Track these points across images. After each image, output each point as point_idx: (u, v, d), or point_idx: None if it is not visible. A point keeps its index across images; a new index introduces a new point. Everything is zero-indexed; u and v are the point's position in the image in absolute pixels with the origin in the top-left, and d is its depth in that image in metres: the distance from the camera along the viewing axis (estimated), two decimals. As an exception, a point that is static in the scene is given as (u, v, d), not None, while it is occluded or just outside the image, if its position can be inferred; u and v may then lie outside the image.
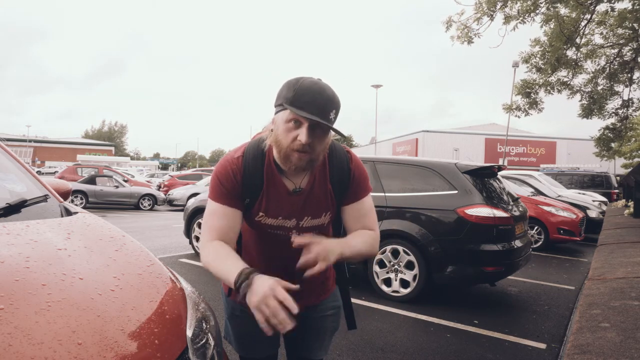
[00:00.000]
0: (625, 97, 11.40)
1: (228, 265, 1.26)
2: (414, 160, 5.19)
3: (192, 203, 6.86)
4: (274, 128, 1.31)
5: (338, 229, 1.55)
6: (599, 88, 11.11)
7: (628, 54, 10.52)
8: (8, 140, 56.31)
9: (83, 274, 1.20)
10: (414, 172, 4.86)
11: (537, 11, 8.28)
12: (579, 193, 12.17)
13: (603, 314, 3.12)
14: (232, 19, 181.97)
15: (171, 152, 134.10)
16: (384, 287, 4.65)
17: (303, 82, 1.24)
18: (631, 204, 10.26)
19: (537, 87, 10.41)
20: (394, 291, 4.59)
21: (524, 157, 40.12)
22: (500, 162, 26.80)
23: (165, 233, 9.29)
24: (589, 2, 8.46)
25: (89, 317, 1.03)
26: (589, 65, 10.84)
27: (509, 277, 5.32)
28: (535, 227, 8.41)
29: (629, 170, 15.19)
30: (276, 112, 1.30)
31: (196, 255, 6.57)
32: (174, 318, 1.21)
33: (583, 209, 9.85)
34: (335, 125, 1.27)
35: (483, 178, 4.77)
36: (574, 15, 8.95)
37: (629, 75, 10.68)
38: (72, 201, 14.24)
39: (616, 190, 15.58)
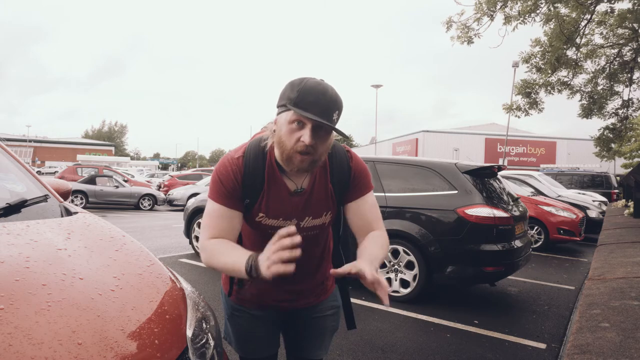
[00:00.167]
0: (625, 97, 11.41)
1: (233, 257, 1.25)
2: (414, 160, 5.19)
3: (192, 203, 6.85)
4: (276, 129, 1.30)
5: (338, 229, 1.55)
6: (599, 88, 11.11)
7: (628, 54, 10.53)
8: (8, 140, 56.38)
9: (83, 274, 1.21)
10: (414, 172, 4.86)
11: (538, 11, 8.28)
12: (579, 193, 12.17)
13: (603, 314, 3.12)
14: (233, 19, 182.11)
15: (171, 152, 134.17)
16: (384, 287, 4.65)
17: (307, 82, 1.24)
18: (631, 204, 10.25)
19: (537, 87, 10.41)
20: (394, 291, 4.59)
21: (524, 157, 40.11)
22: (500, 162, 26.81)
23: (165, 233, 9.29)
24: (589, 2, 8.46)
25: (89, 317, 1.03)
26: (589, 65, 10.86)
27: (509, 277, 5.33)
28: (535, 227, 8.41)
29: (629, 170, 15.18)
30: (279, 113, 1.30)
31: (196, 255, 6.57)
32: (174, 318, 1.21)
33: (583, 209, 9.85)
34: (336, 126, 1.27)
35: (483, 178, 4.78)
36: (574, 15, 8.96)
37: (629, 75, 10.68)
38: (72, 201, 14.24)
39: (616, 190, 15.57)
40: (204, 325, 1.33)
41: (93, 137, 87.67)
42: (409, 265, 4.56)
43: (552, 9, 8.31)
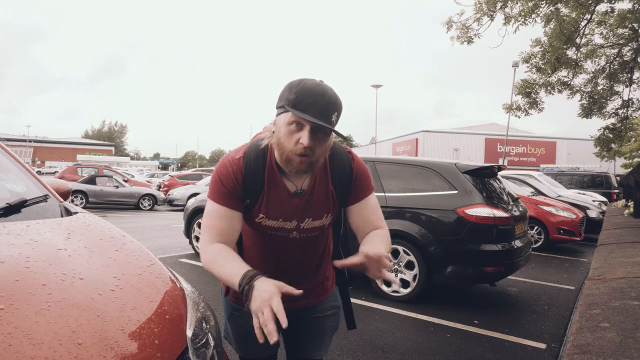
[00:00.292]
0: (625, 97, 11.41)
1: (231, 267, 1.26)
2: (414, 160, 5.19)
3: (192, 203, 6.86)
4: (275, 130, 1.30)
5: (338, 230, 1.55)
6: (599, 88, 11.11)
7: (628, 54, 10.52)
8: (8, 140, 56.39)
9: (83, 274, 1.20)
10: (414, 172, 4.86)
11: (538, 11, 8.27)
12: (579, 193, 12.17)
13: (603, 314, 3.12)
14: (233, 19, 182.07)
15: (171, 152, 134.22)
16: (384, 287, 4.66)
17: (305, 84, 1.23)
18: (631, 204, 10.25)
19: (537, 87, 10.41)
20: (394, 291, 4.59)
21: (524, 157, 40.11)
22: (500, 162, 26.81)
23: (165, 233, 9.29)
24: (589, 2, 8.46)
25: (89, 317, 1.03)
26: (589, 65, 10.85)
27: (509, 277, 5.33)
28: (535, 227, 8.41)
29: (629, 170, 15.18)
30: (278, 114, 1.29)
31: (196, 255, 6.57)
32: (174, 318, 1.21)
33: (583, 209, 9.85)
34: (336, 126, 1.27)
35: (483, 178, 4.77)
36: (574, 15, 8.95)
37: (629, 75, 10.68)
38: (72, 201, 14.24)
39: (616, 190, 15.58)
40: (204, 325, 1.33)
41: (93, 137, 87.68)
42: (409, 265, 4.56)
43: (552, 9, 8.31)
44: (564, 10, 8.92)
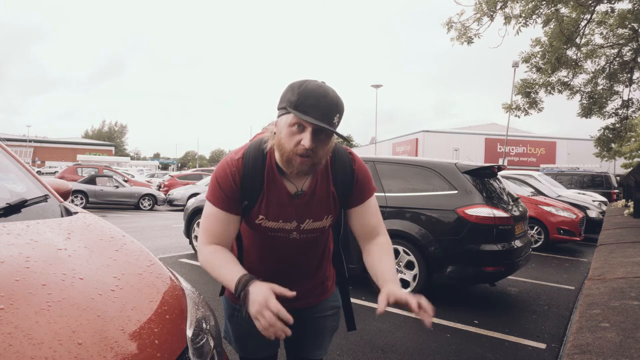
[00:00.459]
0: (625, 97, 11.41)
1: (226, 271, 1.29)
2: (414, 160, 5.19)
3: (192, 203, 6.86)
4: (276, 131, 1.29)
5: (338, 231, 1.55)
6: (599, 88, 11.11)
7: (628, 54, 10.52)
8: (8, 140, 56.38)
9: (83, 274, 1.20)
10: (414, 172, 4.86)
11: (538, 12, 8.27)
12: (579, 193, 12.17)
13: (603, 314, 3.12)
14: (233, 19, 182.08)
15: (171, 152, 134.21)
16: (384, 287, 4.65)
17: (307, 85, 1.23)
18: (631, 204, 10.25)
19: (537, 87, 10.41)
20: (394, 291, 4.58)
21: (524, 157, 40.11)
22: (500, 162, 26.80)
23: (165, 233, 9.29)
24: (589, 2, 8.46)
25: (89, 317, 1.03)
26: (589, 65, 10.85)
27: (509, 277, 5.33)
28: (535, 227, 8.40)
29: (629, 170, 15.18)
30: (279, 115, 1.29)
31: (196, 255, 6.55)
32: (174, 318, 1.21)
33: (583, 209, 9.85)
34: (338, 128, 1.26)
35: (483, 178, 4.77)
36: (574, 15, 8.96)
37: (629, 75, 10.68)
38: (72, 201, 14.24)
39: (616, 190, 15.57)
40: (204, 325, 1.33)
41: (93, 137, 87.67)
42: (409, 265, 4.56)
43: (552, 9, 8.30)
44: (564, 11, 8.92)
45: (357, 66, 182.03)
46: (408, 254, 4.55)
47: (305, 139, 1.22)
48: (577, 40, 9.48)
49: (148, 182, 22.62)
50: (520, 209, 5.05)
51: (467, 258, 4.34)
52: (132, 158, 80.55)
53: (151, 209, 16.22)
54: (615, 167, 27.66)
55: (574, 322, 3.20)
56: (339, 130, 1.26)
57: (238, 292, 1.22)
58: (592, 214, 10.18)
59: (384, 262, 1.41)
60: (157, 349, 1.05)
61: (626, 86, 11.10)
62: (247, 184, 1.35)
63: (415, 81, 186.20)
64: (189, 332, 1.21)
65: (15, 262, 1.16)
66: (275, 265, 1.49)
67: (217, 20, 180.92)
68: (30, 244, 1.30)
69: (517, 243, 4.57)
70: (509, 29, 8.36)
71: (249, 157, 1.36)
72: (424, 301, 1.21)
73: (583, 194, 12.18)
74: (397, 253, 4.61)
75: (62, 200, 1.88)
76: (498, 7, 8.17)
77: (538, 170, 18.04)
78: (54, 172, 33.87)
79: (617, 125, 12.09)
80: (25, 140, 64.89)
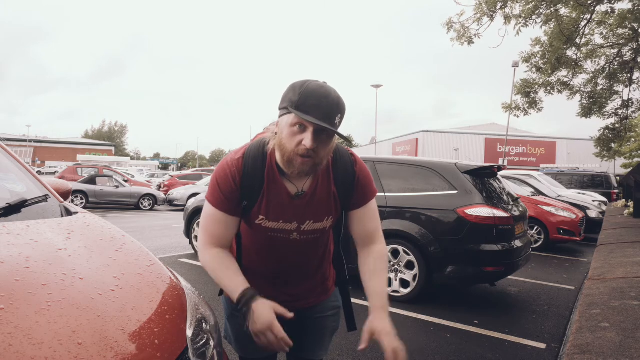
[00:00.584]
0: (625, 97, 11.41)
1: (230, 281, 1.35)
2: (414, 160, 5.19)
3: (192, 203, 6.86)
4: (277, 131, 1.29)
5: (339, 232, 1.55)
6: (599, 88, 11.11)
7: (628, 54, 10.53)
8: (8, 140, 56.34)
9: (83, 274, 1.20)
10: (414, 172, 4.86)
11: (538, 12, 8.27)
12: (579, 193, 12.17)
13: (603, 314, 3.12)
14: (233, 19, 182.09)
15: (171, 152, 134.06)
16: (384, 287, 4.65)
17: (309, 85, 1.22)
18: (631, 204, 10.25)
19: (536, 87, 10.42)
20: (394, 291, 4.59)
21: (524, 157, 40.11)
22: (500, 162, 26.80)
23: (165, 233, 9.29)
24: (589, 2, 8.46)
25: (89, 317, 1.03)
26: (589, 65, 10.85)
27: (509, 277, 5.32)
28: (535, 227, 8.40)
29: (629, 170, 15.18)
30: (280, 115, 1.28)
31: (196, 255, 6.57)
32: (174, 318, 1.21)
33: (583, 209, 9.85)
34: (339, 129, 1.26)
35: (483, 178, 4.77)
36: (574, 15, 8.96)
37: (629, 75, 10.68)
38: (73, 201, 14.24)
39: (616, 190, 15.58)
40: (204, 325, 1.33)
41: (93, 137, 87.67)
42: (409, 265, 4.56)
43: (552, 10, 8.31)
44: (564, 10, 8.92)
45: (357, 66, 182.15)
46: (408, 254, 4.55)
47: (307, 139, 1.21)
48: (577, 40, 9.48)
49: (148, 182, 22.62)
50: (520, 209, 5.05)
51: (467, 258, 4.34)
52: (132, 158, 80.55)
53: (151, 209, 16.22)
54: (615, 167, 27.65)
55: (574, 322, 3.20)
56: (340, 131, 1.26)
57: (241, 306, 1.30)
58: (592, 214, 10.18)
59: (375, 280, 1.44)
60: (157, 349, 1.05)
61: (626, 86, 11.10)
62: (247, 183, 1.35)
63: (415, 81, 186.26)
64: (189, 332, 1.21)
65: (15, 262, 1.16)
66: (275, 266, 1.49)
67: (217, 20, 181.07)
68: (30, 244, 1.30)
69: (517, 243, 4.57)
70: (509, 29, 8.35)
71: (249, 157, 1.36)
72: (400, 351, 1.30)
73: (583, 194, 12.18)
74: (397, 253, 4.61)
75: (62, 200, 1.88)
76: (498, 7, 8.17)
77: (538, 170, 18.04)
78: (54, 172, 33.88)
79: (617, 125, 12.10)
80: (25, 140, 64.89)
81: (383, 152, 44.44)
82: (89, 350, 0.94)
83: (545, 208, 8.53)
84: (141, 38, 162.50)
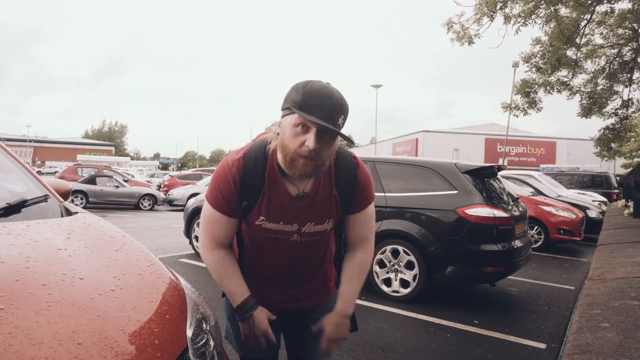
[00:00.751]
0: (625, 97, 11.42)
1: (232, 287, 1.42)
2: (414, 160, 5.19)
3: (192, 203, 6.86)
4: (280, 132, 1.28)
5: (340, 234, 1.55)
6: (599, 88, 11.12)
7: (628, 54, 10.53)
8: (8, 140, 56.36)
9: (83, 274, 1.20)
10: (414, 172, 4.86)
11: (537, 12, 8.27)
12: (579, 193, 12.17)
13: (603, 314, 3.12)
14: (233, 19, 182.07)
15: (171, 152, 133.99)
16: (384, 287, 4.65)
17: (312, 85, 1.22)
18: (631, 204, 10.25)
19: (536, 86, 10.42)
20: (394, 291, 4.59)
21: (524, 157, 40.11)
22: (500, 162, 26.80)
23: (165, 233, 9.29)
24: (589, 2, 8.46)
25: (89, 317, 1.03)
26: (589, 65, 10.86)
27: (509, 277, 5.33)
28: (535, 227, 8.40)
29: (629, 170, 15.18)
30: (283, 116, 1.27)
31: (196, 255, 6.57)
32: (174, 318, 1.21)
33: (583, 209, 9.85)
34: (342, 130, 1.25)
35: (483, 178, 4.77)
36: (574, 15, 8.96)
37: (629, 75, 10.68)
38: (73, 201, 14.24)
39: (616, 190, 15.57)
40: (204, 325, 1.33)
41: (93, 137, 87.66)
42: (409, 265, 4.56)
43: (552, 10, 8.31)
44: (564, 11, 8.92)
45: (357, 66, 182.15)
46: (408, 254, 4.55)
47: (310, 140, 1.20)
48: (577, 40, 9.48)
49: (148, 182, 22.62)
50: (520, 209, 5.05)
51: (467, 258, 4.34)
52: (132, 158, 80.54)
53: (151, 209, 16.22)
54: (615, 167, 27.66)
55: (574, 322, 3.20)
56: (342, 131, 1.25)
57: (242, 313, 1.40)
58: (592, 214, 10.18)
59: (346, 285, 1.49)
60: (157, 349, 1.05)
61: (626, 86, 11.11)
62: (247, 183, 1.34)
63: (415, 81, 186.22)
64: (189, 332, 1.21)
65: (15, 262, 1.16)
66: (275, 266, 1.49)
67: (217, 20, 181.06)
68: (30, 244, 1.30)
69: (517, 243, 4.57)
70: (509, 29, 8.37)
71: (250, 157, 1.35)
72: (332, 332, 1.45)
73: (583, 194, 12.17)
74: (397, 253, 4.61)
75: (62, 200, 1.88)
76: (498, 7, 8.17)
77: (538, 170, 18.03)
78: (54, 172, 33.88)
79: (617, 125, 12.10)
80: (25, 140, 64.88)
81: (383, 152, 44.43)
82: (89, 350, 0.94)
83: (545, 208, 8.53)
84: (141, 38, 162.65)
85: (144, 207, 16.18)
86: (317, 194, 1.38)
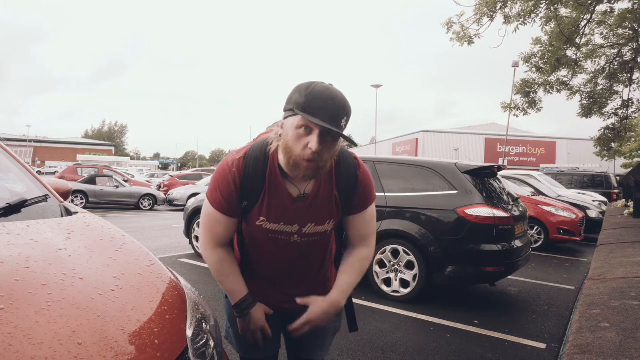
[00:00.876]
0: (625, 97, 11.42)
1: (232, 285, 1.44)
2: (414, 160, 5.19)
3: (192, 203, 6.85)
4: (282, 133, 1.27)
5: (340, 234, 1.55)
6: (599, 88, 11.12)
7: (628, 54, 10.54)
8: (8, 140, 56.37)
9: (83, 274, 1.20)
10: (414, 172, 4.86)
11: (537, 12, 8.28)
12: (579, 193, 12.17)
13: (603, 314, 3.12)
14: (233, 19, 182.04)
15: (171, 152, 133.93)
16: (384, 287, 4.65)
17: (315, 87, 1.21)
18: (631, 204, 10.25)
19: (536, 86, 10.42)
20: (394, 291, 4.59)
21: (524, 157, 40.11)
22: (500, 162, 26.80)
23: (165, 233, 9.29)
24: (589, 2, 8.46)
25: (89, 317, 1.03)
26: (589, 65, 10.86)
27: (509, 277, 5.33)
28: (535, 227, 8.40)
29: (629, 170, 15.18)
30: (285, 117, 1.27)
31: (196, 255, 6.57)
32: (174, 318, 1.21)
33: (583, 209, 9.85)
34: (345, 131, 1.25)
35: (483, 178, 4.77)
36: (574, 15, 8.96)
37: (629, 75, 10.69)
38: (73, 201, 14.24)
39: (616, 190, 15.57)
40: (204, 325, 1.33)
41: (93, 137, 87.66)
42: (409, 265, 4.56)
43: (552, 9, 8.31)
44: (564, 11, 8.93)
45: (357, 66, 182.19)
46: (408, 254, 4.55)
47: (313, 142, 1.20)
48: (577, 40, 9.49)
49: (148, 182, 22.61)
50: (520, 209, 5.05)
51: (467, 258, 4.34)
52: (132, 158, 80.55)
53: (151, 209, 16.22)
54: (615, 167, 27.65)
55: (574, 322, 3.20)
56: (345, 133, 1.25)
57: (240, 310, 1.44)
58: (592, 214, 10.18)
59: (345, 275, 1.48)
60: (157, 349, 1.05)
61: (626, 86, 11.11)
62: (247, 184, 1.34)
63: (415, 81, 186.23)
64: (189, 332, 1.21)
65: (15, 262, 1.16)
66: (275, 267, 1.49)
67: (217, 20, 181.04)
68: (30, 244, 1.30)
69: (517, 243, 4.57)
70: (508, 29, 8.36)
71: (250, 157, 1.35)
72: (309, 322, 1.43)
73: (583, 194, 12.17)
74: (397, 253, 4.61)
75: (62, 200, 1.88)
76: (498, 7, 8.17)
77: (538, 170, 18.03)
78: (54, 172, 33.88)
79: (617, 125, 12.10)
80: (25, 140, 64.87)
81: (383, 152, 44.44)
82: (89, 350, 0.94)
83: (545, 208, 8.53)
84: (141, 38, 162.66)
85: (144, 207, 16.17)
86: (318, 194, 1.38)
